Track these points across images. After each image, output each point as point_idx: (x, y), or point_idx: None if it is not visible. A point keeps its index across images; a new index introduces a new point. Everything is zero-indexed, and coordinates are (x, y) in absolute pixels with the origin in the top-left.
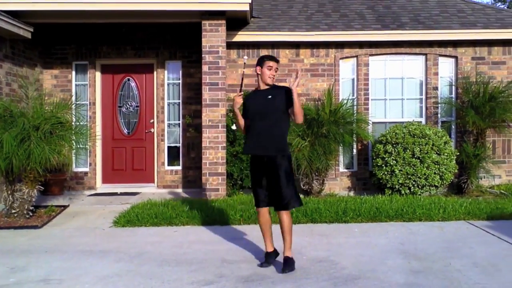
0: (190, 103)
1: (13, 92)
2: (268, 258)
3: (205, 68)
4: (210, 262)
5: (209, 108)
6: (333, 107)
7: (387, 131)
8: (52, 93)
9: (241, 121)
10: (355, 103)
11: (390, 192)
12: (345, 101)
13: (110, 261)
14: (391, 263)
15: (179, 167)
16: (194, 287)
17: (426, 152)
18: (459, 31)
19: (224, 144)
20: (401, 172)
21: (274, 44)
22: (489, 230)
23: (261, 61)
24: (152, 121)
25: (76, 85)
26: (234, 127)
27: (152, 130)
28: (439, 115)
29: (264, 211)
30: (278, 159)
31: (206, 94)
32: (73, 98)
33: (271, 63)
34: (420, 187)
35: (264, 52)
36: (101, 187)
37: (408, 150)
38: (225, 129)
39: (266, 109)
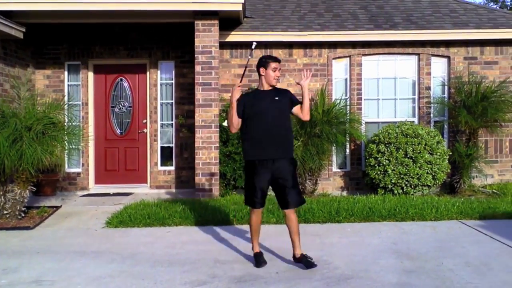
0: (183, 103)
1: (5, 93)
2: (261, 258)
3: (198, 68)
4: (203, 263)
5: (202, 108)
6: (326, 107)
7: (380, 131)
8: (44, 93)
9: (235, 117)
10: (348, 103)
11: (383, 192)
12: (338, 101)
13: (102, 262)
14: (384, 263)
15: (172, 168)
16: (186, 287)
17: (418, 151)
18: (451, 31)
19: (217, 144)
20: (394, 171)
21: (267, 44)
22: (481, 229)
23: (265, 63)
24: (145, 121)
25: (68, 85)
26: (225, 123)
27: (145, 130)
28: (431, 115)
29: (260, 212)
30: (289, 161)
31: (199, 94)
32: (66, 98)
33: (275, 65)
34: (412, 186)
35: (257, 52)
36: (93, 188)
37: (401, 150)
38: (218, 129)
39: (274, 110)
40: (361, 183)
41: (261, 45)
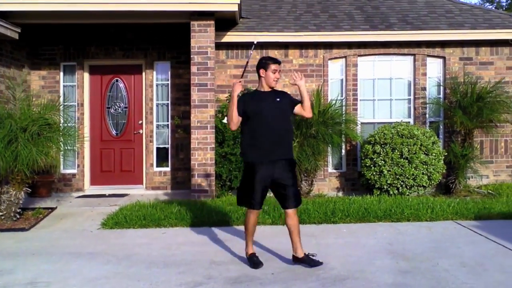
0: (179, 104)
1: (0, 94)
2: (258, 258)
3: (194, 69)
4: (199, 264)
5: (198, 109)
6: (322, 107)
7: (376, 132)
8: (40, 94)
9: (236, 113)
10: (343, 103)
11: (378, 193)
12: (334, 102)
13: (98, 263)
14: (380, 263)
15: (168, 168)
16: None
17: (414, 152)
18: (447, 32)
19: (213, 145)
20: (389, 172)
21: (263, 45)
22: (477, 230)
23: (265, 64)
24: (140, 122)
25: (64, 86)
26: (225, 120)
27: (140, 131)
28: (427, 116)
29: (258, 213)
30: (289, 161)
31: (195, 95)
32: (61, 99)
33: (275, 66)
34: (408, 187)
35: (253, 52)
36: (89, 189)
37: (396, 151)
38: (214, 130)
39: (275, 111)
40: (356, 184)
41: (257, 45)
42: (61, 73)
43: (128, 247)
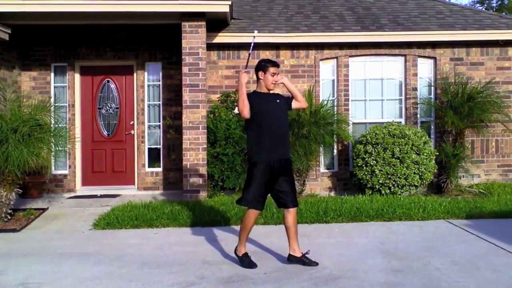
0: (171, 104)
1: None
2: (250, 258)
3: (185, 69)
4: (191, 264)
5: (190, 109)
6: (313, 108)
7: (367, 132)
8: (30, 95)
9: (247, 101)
10: (335, 104)
11: (370, 192)
12: (326, 102)
13: (90, 264)
14: (372, 263)
15: (160, 169)
16: None
17: (405, 152)
18: (437, 32)
19: (205, 146)
20: (381, 172)
21: (254, 46)
22: (468, 229)
23: (264, 67)
24: (132, 122)
25: (55, 87)
26: (236, 111)
27: (132, 132)
28: (418, 116)
29: (259, 214)
30: (289, 160)
31: (187, 96)
32: (52, 100)
33: (274, 69)
34: (400, 187)
35: (244, 53)
36: (80, 190)
37: (388, 150)
38: (205, 131)
39: (278, 111)
40: (348, 184)
41: (248, 46)
42: (52, 74)
43: (120, 248)
